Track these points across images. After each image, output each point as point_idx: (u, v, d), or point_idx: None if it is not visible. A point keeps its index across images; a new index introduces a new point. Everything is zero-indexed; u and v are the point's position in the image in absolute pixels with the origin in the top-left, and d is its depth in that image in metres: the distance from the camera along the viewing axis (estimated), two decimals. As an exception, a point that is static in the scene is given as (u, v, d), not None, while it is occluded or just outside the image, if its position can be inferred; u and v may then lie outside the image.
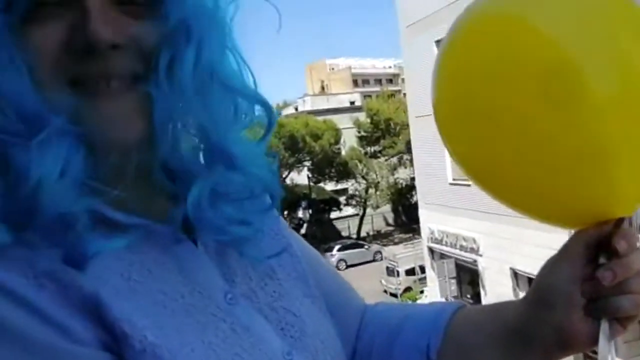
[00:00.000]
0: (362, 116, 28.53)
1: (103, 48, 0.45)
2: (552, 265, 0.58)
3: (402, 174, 27.77)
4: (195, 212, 0.51)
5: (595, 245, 0.55)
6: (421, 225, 17.70)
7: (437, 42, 15.62)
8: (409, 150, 21.19)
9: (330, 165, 26.92)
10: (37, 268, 0.42)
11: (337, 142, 27.69)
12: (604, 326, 0.53)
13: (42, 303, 0.41)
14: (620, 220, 0.54)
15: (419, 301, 15.80)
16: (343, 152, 28.44)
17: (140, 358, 0.44)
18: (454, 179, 15.84)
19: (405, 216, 29.22)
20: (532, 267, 11.77)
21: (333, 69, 53.35)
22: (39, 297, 0.41)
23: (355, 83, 51.80)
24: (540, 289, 0.59)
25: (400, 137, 26.04)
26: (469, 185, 14.98)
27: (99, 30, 0.45)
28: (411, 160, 21.10)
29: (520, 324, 0.60)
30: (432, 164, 16.54)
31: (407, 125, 19.74)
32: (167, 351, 0.45)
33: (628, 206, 0.55)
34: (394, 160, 27.58)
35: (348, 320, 0.68)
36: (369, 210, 28.82)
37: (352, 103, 35.42)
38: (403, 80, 27.60)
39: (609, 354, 0.53)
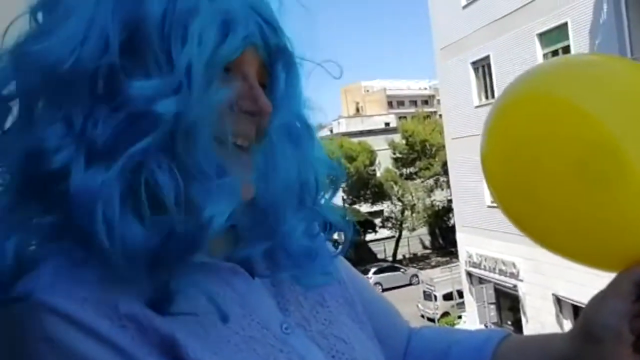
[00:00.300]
0: (397, 138, 28.46)
1: (264, 115, 0.54)
2: (600, 300, 0.58)
3: (439, 196, 27.43)
4: (290, 245, 0.57)
5: None
6: (459, 248, 17.38)
7: (473, 63, 15.56)
8: (445, 172, 20.97)
9: (365, 186, 26.85)
10: (120, 311, 0.45)
11: (372, 163, 27.65)
12: None
13: (124, 343, 0.45)
14: None
15: (457, 327, 15.41)
16: (378, 174, 28.36)
17: None
18: (492, 202, 15.52)
19: (442, 239, 28.78)
20: (577, 293, 11.34)
21: (368, 90, 53.59)
22: (121, 338, 0.45)
23: (390, 105, 51.88)
24: (588, 324, 0.58)
25: (436, 159, 25.81)
26: (507, 208, 14.65)
27: (266, 102, 0.54)
28: (448, 182, 20.84)
29: (567, 358, 0.60)
30: (469, 186, 16.28)
31: (443, 146, 19.57)
32: None
33: None
34: (430, 182, 27.29)
35: (394, 344, 0.70)
36: (405, 233, 28.50)
37: (387, 124, 35.44)
38: (438, 101, 27.46)
39: None
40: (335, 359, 0.58)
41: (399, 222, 28.23)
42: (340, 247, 0.65)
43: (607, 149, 0.54)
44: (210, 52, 0.48)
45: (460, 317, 17.90)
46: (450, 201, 21.28)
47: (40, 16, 0.52)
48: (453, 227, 19.81)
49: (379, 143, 28.43)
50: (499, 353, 0.67)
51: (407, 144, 27.26)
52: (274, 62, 0.56)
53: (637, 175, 0.53)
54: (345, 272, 0.69)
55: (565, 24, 11.62)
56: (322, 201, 0.61)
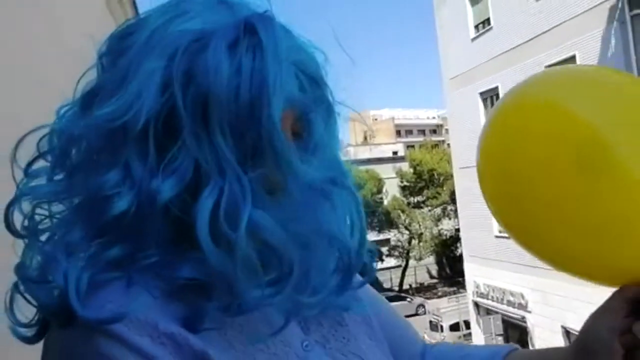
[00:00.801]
0: (405, 166, 28.50)
1: None
2: (595, 316, 0.63)
3: (446, 225, 27.29)
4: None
5: (636, 301, 0.60)
6: (466, 278, 17.20)
7: (481, 94, 15.68)
8: (453, 201, 20.91)
9: (372, 214, 26.77)
10: (159, 329, 0.50)
11: (379, 191, 27.61)
12: None
13: (163, 356, 0.49)
14: None
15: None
16: (385, 202, 28.29)
17: None
18: (500, 231, 15.44)
19: (450, 269, 28.49)
20: (586, 326, 11.14)
21: (376, 119, 53.87)
22: (161, 353, 0.49)
23: (398, 134, 52.05)
24: (584, 338, 0.63)
25: (444, 188, 25.77)
26: (516, 238, 14.54)
27: None
28: (455, 212, 20.76)
29: None
30: (477, 216, 16.20)
31: (451, 175, 19.57)
32: None
33: None
34: (438, 211, 27.20)
35: (409, 359, 0.74)
36: (411, 262, 28.26)
37: (394, 153, 35.49)
38: (447, 130, 27.55)
39: None
40: None
41: (405, 251, 28.01)
42: (365, 276, 0.66)
43: (596, 146, 0.57)
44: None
45: (467, 348, 17.58)
46: (457, 230, 21.16)
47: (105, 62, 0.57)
48: (460, 256, 19.64)
49: (386, 171, 28.45)
50: None
51: (414, 173, 27.26)
52: (311, 112, 0.58)
53: (626, 171, 0.57)
54: (363, 290, 0.70)
55: (574, 57, 11.75)
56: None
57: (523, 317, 13.95)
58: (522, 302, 13.73)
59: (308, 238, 0.53)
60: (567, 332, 12.41)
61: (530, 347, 14.01)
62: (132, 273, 0.52)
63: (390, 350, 0.69)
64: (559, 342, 12.73)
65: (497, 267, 14.95)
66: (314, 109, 0.58)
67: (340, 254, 0.58)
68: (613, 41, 10.76)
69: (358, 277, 0.64)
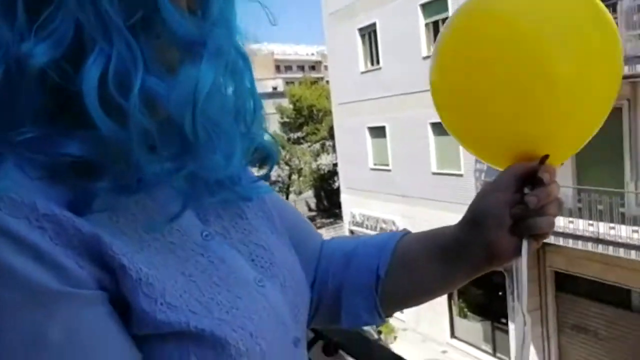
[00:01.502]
0: (284, 102, 28.51)
1: None
2: (485, 193, 0.69)
3: (325, 160, 28.11)
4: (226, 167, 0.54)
5: (523, 178, 0.67)
6: (343, 209, 18.09)
7: (360, 29, 15.95)
8: (331, 136, 21.49)
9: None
10: (38, 210, 0.45)
11: (259, 127, 27.24)
12: (525, 242, 0.66)
13: (43, 245, 0.44)
14: (545, 157, 0.66)
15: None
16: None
17: (136, 285, 0.48)
18: (374, 164, 16.33)
19: (328, 201, 29.64)
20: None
21: (255, 54, 52.43)
22: (39, 240, 0.44)
23: (277, 69, 51.52)
24: (475, 213, 0.69)
25: (323, 124, 26.31)
26: (389, 171, 15.53)
27: None
28: (334, 147, 21.43)
29: (456, 244, 0.71)
30: (354, 150, 16.92)
31: (330, 112, 19.99)
32: (157, 280, 0.49)
33: (554, 146, 0.68)
34: (317, 146, 27.85)
35: (308, 252, 0.76)
36: (291, 196, 28.91)
37: (274, 89, 35.23)
38: (326, 67, 27.80)
39: (525, 267, 0.66)
40: (255, 262, 0.61)
41: (286, 186, 28.58)
42: (262, 171, 0.66)
43: (525, 47, 0.64)
44: None
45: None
46: (335, 165, 21.97)
47: None
48: (338, 189, 20.50)
49: (266, 107, 28.03)
50: (399, 246, 0.75)
51: (294, 109, 27.41)
52: None
53: (543, 40, 0.64)
54: (263, 189, 0.70)
55: (445, -3, 12.32)
56: (257, 128, 0.61)
57: (394, 242, 15.07)
58: (394, 228, 14.79)
59: (208, 112, 0.50)
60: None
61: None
62: (1, 150, 0.47)
63: (291, 243, 0.70)
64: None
65: (371, 197, 15.91)
66: None
67: (240, 122, 0.57)
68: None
69: (257, 173, 0.65)
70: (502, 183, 0.67)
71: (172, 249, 0.53)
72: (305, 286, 0.69)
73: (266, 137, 0.63)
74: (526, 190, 0.66)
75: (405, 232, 0.78)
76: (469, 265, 0.71)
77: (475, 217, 0.69)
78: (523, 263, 0.66)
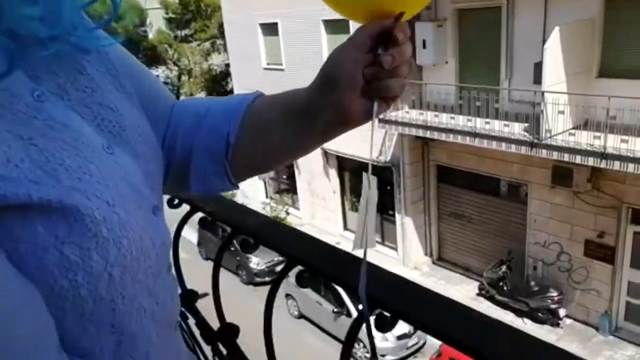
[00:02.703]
0: (169, -4, 26.41)
1: None
2: (338, 52, 0.65)
3: (216, 60, 27.01)
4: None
5: (377, 37, 0.64)
6: (237, 111, 17.75)
7: None
8: (222, 35, 20.51)
9: (136, 50, 24.86)
10: None
11: (142, 24, 25.45)
12: (376, 104, 0.65)
13: None
14: (400, 15, 0.63)
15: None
16: (150, 36, 26.38)
17: None
18: (268, 64, 15.99)
19: (221, 103, 28.92)
20: (339, 146, 12.84)
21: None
22: None
23: (159, -42, 46.97)
24: (327, 73, 0.66)
25: (212, 20, 24.92)
26: (282, 70, 15.31)
27: None
28: (225, 46, 20.54)
29: (308, 106, 0.68)
30: (246, 49, 16.37)
31: (219, 7, 18.90)
32: None
33: (407, 4, 0.65)
34: (207, 45, 26.53)
35: (158, 112, 0.72)
36: (182, 98, 27.63)
37: (157, -19, 32.31)
38: (212, -43, 25.81)
39: (375, 129, 0.67)
40: (102, 127, 0.56)
41: (176, 88, 27.30)
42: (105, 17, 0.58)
43: None
44: None
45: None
46: (228, 65, 21.20)
47: None
48: (231, 91, 19.98)
49: (149, 2, 26.07)
50: (252, 108, 0.73)
51: (180, 3, 25.53)
52: None
53: None
54: (105, 41, 0.63)
55: None
56: None
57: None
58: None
59: None
60: (325, 153, 14.17)
61: (294, 165, 15.72)
62: None
63: (140, 103, 0.65)
64: (318, 160, 14.48)
65: (265, 98, 15.71)
66: None
67: None
68: None
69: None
70: (356, 42, 0.64)
71: (1, 113, 0.45)
72: (159, 152, 0.66)
73: None
74: (380, 50, 0.64)
75: (258, 94, 0.76)
76: (320, 127, 0.69)
77: (327, 76, 0.66)
78: (374, 125, 0.67)
